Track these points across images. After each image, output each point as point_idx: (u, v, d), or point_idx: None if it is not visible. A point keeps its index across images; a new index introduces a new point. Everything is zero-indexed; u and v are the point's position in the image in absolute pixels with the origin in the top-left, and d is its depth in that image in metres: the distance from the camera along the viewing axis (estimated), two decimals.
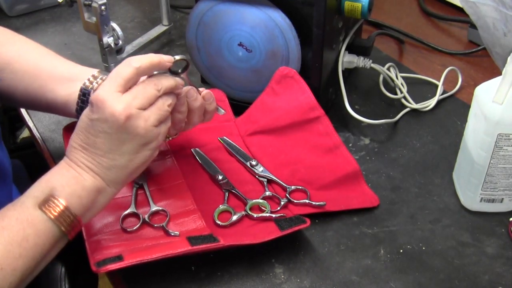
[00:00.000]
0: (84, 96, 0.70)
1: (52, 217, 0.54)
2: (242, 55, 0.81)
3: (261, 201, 0.70)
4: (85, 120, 0.59)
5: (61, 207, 0.55)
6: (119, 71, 0.59)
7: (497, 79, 0.64)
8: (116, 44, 0.92)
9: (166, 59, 0.63)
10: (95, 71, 0.71)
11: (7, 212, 0.55)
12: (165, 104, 0.61)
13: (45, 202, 0.55)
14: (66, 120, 0.83)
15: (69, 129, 0.78)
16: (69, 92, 0.71)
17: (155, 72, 0.62)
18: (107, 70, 0.90)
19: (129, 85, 0.59)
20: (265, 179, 0.73)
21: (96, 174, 0.58)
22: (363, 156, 0.79)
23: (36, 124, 0.86)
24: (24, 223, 0.54)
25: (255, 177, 0.74)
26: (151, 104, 0.60)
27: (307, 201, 0.70)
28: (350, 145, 0.81)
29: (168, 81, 0.62)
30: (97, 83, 0.69)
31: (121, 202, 0.68)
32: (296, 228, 0.64)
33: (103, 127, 0.58)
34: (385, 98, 0.90)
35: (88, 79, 0.70)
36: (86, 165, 0.58)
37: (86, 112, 0.59)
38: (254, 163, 0.75)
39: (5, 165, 0.70)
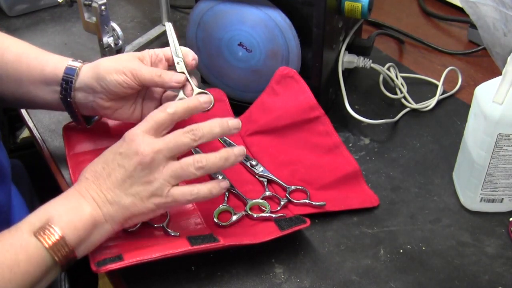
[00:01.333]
0: (66, 103, 0.71)
1: (46, 246, 0.53)
2: (242, 55, 0.81)
3: (261, 201, 0.70)
4: (109, 152, 0.60)
5: (57, 237, 0.54)
6: (153, 114, 0.61)
7: (497, 79, 0.64)
8: (116, 44, 0.92)
9: (202, 100, 0.64)
10: (61, 69, 0.70)
11: (2, 236, 0.54)
12: (191, 166, 0.60)
13: (40, 230, 0.54)
14: (66, 120, 0.83)
15: (69, 129, 0.78)
16: (54, 97, 0.71)
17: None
18: None
19: (162, 129, 0.60)
20: (265, 179, 0.73)
21: (97, 206, 0.58)
22: (363, 156, 0.79)
23: (36, 124, 0.86)
24: (17, 249, 0.53)
25: (255, 177, 0.74)
26: (180, 154, 0.60)
27: (307, 201, 0.70)
28: (350, 145, 0.81)
29: (210, 131, 0.61)
30: (70, 89, 0.69)
31: None
32: (296, 228, 0.64)
33: (124, 162, 0.58)
34: (385, 98, 0.90)
35: (61, 86, 0.70)
36: (91, 194, 0.58)
37: (115, 145, 0.60)
38: (254, 163, 0.75)
39: (3, 164, 0.70)
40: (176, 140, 0.60)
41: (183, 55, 0.70)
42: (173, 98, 0.71)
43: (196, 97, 0.65)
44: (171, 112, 0.61)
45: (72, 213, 0.56)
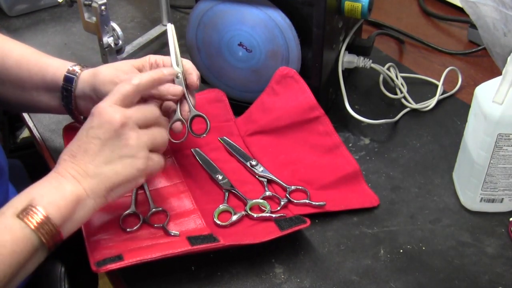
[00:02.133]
0: (69, 109, 0.71)
1: (32, 226, 0.54)
2: (242, 55, 0.81)
3: (261, 201, 0.70)
4: (81, 130, 0.60)
5: (41, 216, 0.54)
6: (118, 87, 0.62)
7: (497, 79, 0.64)
8: (116, 44, 0.92)
9: (166, 72, 0.65)
10: (61, 77, 0.70)
11: None
12: (162, 133, 0.63)
13: (23, 211, 0.54)
14: (66, 120, 0.83)
15: (69, 129, 0.78)
16: (58, 102, 0.72)
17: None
18: None
19: (128, 101, 0.61)
20: (265, 179, 0.73)
21: (78, 182, 0.58)
22: (363, 156, 0.79)
23: (36, 124, 0.86)
24: (2, 231, 0.53)
25: (255, 177, 0.74)
26: (149, 125, 0.62)
27: (307, 201, 0.70)
28: (350, 145, 0.81)
29: (150, 77, 0.63)
30: (70, 97, 0.70)
31: (121, 202, 0.68)
32: (296, 228, 0.64)
33: (97, 133, 0.59)
34: (385, 98, 0.90)
35: (62, 93, 0.70)
36: (70, 173, 0.58)
37: (85, 122, 0.61)
38: (254, 163, 0.75)
39: (0, 163, 0.70)
40: (144, 110, 0.62)
41: (185, 71, 0.70)
42: (171, 112, 0.70)
43: (160, 69, 0.66)
44: (136, 83, 0.62)
45: (54, 193, 0.56)
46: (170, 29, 0.73)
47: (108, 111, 0.60)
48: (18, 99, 0.74)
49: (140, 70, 0.70)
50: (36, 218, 0.54)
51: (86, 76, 0.70)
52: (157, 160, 0.63)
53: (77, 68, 0.71)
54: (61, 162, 0.59)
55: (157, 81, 0.65)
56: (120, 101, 0.61)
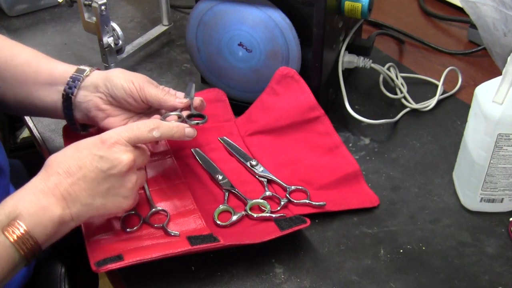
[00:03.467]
0: (67, 101, 0.71)
1: (12, 240, 0.53)
2: (242, 55, 0.81)
3: (261, 201, 0.70)
4: (87, 153, 0.60)
5: (22, 231, 0.54)
6: (138, 130, 0.63)
7: (497, 79, 0.64)
8: (116, 44, 0.92)
9: (186, 134, 0.68)
10: (72, 71, 0.71)
11: None
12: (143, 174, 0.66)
13: (8, 227, 0.54)
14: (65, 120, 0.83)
15: (69, 129, 0.78)
16: (55, 98, 0.72)
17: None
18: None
19: (139, 143, 0.63)
20: (265, 179, 0.73)
21: (67, 207, 0.57)
22: (363, 156, 0.79)
23: (36, 124, 0.86)
24: None
25: (255, 177, 0.74)
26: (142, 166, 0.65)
27: (307, 201, 0.70)
28: (350, 145, 0.81)
29: (169, 131, 0.65)
30: (75, 86, 0.70)
31: None
32: (296, 228, 0.64)
33: (103, 166, 0.59)
34: (385, 98, 0.90)
35: (68, 83, 0.71)
36: (62, 194, 0.57)
37: (90, 145, 0.61)
38: (254, 163, 0.75)
39: (1, 163, 0.70)
40: (146, 155, 0.64)
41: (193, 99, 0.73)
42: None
43: (183, 128, 0.67)
44: (156, 136, 0.64)
45: (42, 214, 0.56)
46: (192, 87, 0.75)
47: (120, 150, 0.60)
48: (16, 97, 0.73)
49: (152, 84, 0.72)
50: (17, 232, 0.54)
51: (99, 72, 0.72)
52: (138, 197, 0.66)
53: (90, 67, 0.73)
54: (54, 175, 0.58)
55: (175, 139, 0.67)
56: (133, 142, 0.62)
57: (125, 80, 0.70)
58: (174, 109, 0.71)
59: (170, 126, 0.66)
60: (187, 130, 0.67)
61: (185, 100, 0.71)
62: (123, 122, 0.72)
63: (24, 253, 0.54)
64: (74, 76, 0.71)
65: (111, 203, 0.61)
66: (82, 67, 0.72)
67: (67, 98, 0.71)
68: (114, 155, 0.60)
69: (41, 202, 0.56)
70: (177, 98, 0.71)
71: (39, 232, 0.55)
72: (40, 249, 0.56)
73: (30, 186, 0.58)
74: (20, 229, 0.54)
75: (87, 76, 0.71)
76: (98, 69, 0.73)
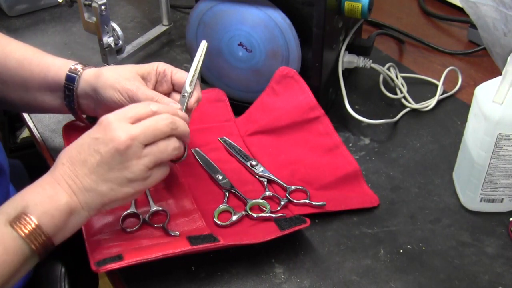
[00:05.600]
0: (70, 106, 0.71)
1: (23, 234, 0.53)
2: (242, 55, 0.81)
3: (261, 201, 0.70)
4: (86, 137, 0.59)
5: (33, 225, 0.53)
6: (135, 106, 0.61)
7: (497, 79, 0.64)
8: (116, 44, 0.92)
9: (181, 115, 0.63)
10: (63, 76, 0.70)
11: None
12: (169, 147, 0.60)
13: (16, 219, 0.53)
14: (66, 120, 0.83)
15: (69, 128, 0.78)
16: (59, 102, 0.72)
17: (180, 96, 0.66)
18: None
19: (139, 120, 0.59)
20: (265, 179, 0.73)
21: (73, 193, 0.57)
22: (363, 156, 0.79)
23: (36, 124, 0.86)
24: None
25: (255, 177, 0.74)
26: (156, 140, 0.59)
27: (307, 201, 0.70)
28: (350, 145, 0.81)
29: (185, 127, 0.62)
30: (72, 96, 0.70)
31: None
32: (296, 228, 0.64)
33: (99, 148, 0.57)
34: (385, 98, 0.90)
35: (64, 93, 0.70)
36: (67, 182, 0.57)
37: (90, 130, 0.59)
38: (254, 163, 0.75)
39: (1, 164, 0.70)
40: (155, 128, 0.59)
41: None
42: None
43: (176, 110, 0.64)
44: (154, 110, 0.60)
45: (48, 202, 0.55)
46: (202, 46, 0.69)
47: (115, 128, 0.57)
48: (23, 100, 0.74)
49: (145, 77, 0.69)
50: (29, 227, 0.53)
51: (88, 76, 0.70)
52: (159, 174, 0.61)
53: (79, 67, 0.70)
54: (59, 166, 0.58)
55: (171, 113, 0.64)
56: (132, 120, 0.59)
57: (113, 90, 0.67)
58: None
59: (167, 103, 0.65)
60: (181, 113, 0.64)
61: (176, 110, 0.65)
62: None
63: (36, 248, 0.54)
64: (66, 86, 0.70)
65: (117, 186, 0.58)
66: (71, 70, 0.70)
67: (70, 107, 0.71)
68: (109, 133, 0.57)
69: (47, 192, 0.56)
70: (170, 102, 0.67)
71: (47, 222, 0.54)
72: (51, 242, 0.55)
73: (37, 181, 0.58)
74: (31, 223, 0.53)
75: (78, 83, 0.70)
76: (87, 66, 0.71)
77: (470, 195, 0.70)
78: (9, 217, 0.54)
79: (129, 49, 0.99)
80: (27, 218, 0.53)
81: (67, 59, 0.73)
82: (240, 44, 0.80)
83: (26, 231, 0.53)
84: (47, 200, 0.55)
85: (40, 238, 0.54)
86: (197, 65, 0.68)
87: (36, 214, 0.54)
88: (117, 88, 0.66)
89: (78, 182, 0.57)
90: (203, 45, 0.69)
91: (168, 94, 0.70)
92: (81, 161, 0.57)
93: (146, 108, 0.60)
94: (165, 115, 0.60)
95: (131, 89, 0.66)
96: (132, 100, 0.67)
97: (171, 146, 0.60)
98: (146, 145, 0.59)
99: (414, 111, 0.87)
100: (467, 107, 0.71)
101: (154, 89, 0.70)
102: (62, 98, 0.71)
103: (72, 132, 0.77)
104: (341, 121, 0.85)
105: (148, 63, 0.70)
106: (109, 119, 0.58)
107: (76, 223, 0.57)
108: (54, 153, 0.81)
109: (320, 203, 0.69)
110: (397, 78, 0.90)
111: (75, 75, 0.70)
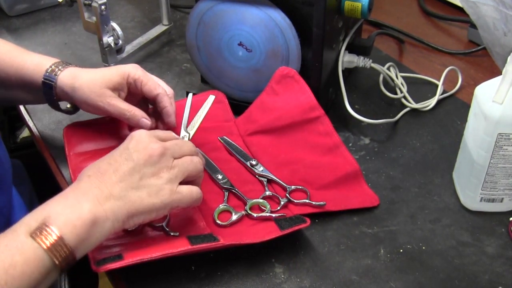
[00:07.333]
0: (51, 103, 0.75)
1: (44, 247, 0.51)
2: (242, 55, 0.81)
3: (261, 200, 0.70)
4: (115, 150, 0.61)
5: (55, 237, 0.52)
6: (160, 131, 0.66)
7: (497, 79, 0.64)
8: (116, 44, 0.92)
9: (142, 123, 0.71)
10: (39, 78, 0.72)
11: None
12: (194, 159, 0.63)
13: (37, 231, 0.52)
14: (66, 120, 0.83)
15: (69, 129, 0.78)
16: (43, 97, 0.74)
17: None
18: None
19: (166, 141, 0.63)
20: (265, 179, 0.73)
21: (98, 202, 0.55)
22: (363, 156, 0.79)
23: (36, 123, 0.86)
24: (13, 250, 0.51)
25: (255, 176, 0.74)
26: (181, 157, 0.63)
27: (307, 201, 0.70)
28: (350, 145, 0.81)
29: (199, 163, 0.64)
30: (52, 99, 0.74)
31: None
32: (296, 228, 0.64)
33: (132, 156, 0.59)
34: (385, 98, 0.90)
35: (44, 94, 0.73)
36: (93, 192, 0.56)
37: (122, 144, 0.62)
38: (254, 162, 0.75)
39: (4, 167, 0.70)
40: (182, 145, 0.63)
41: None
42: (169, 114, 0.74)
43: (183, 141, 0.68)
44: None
45: (70, 211, 0.54)
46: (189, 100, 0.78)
47: (148, 140, 0.61)
48: (5, 97, 0.76)
49: (117, 88, 0.72)
50: (50, 239, 0.52)
51: (65, 80, 0.72)
52: (186, 193, 0.61)
53: (54, 70, 0.72)
54: (84, 178, 0.58)
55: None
56: (160, 139, 0.62)
57: (86, 104, 0.71)
58: (139, 127, 0.71)
59: (140, 116, 0.71)
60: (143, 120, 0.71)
61: (147, 125, 0.71)
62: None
63: (58, 262, 0.52)
64: (45, 91, 0.73)
65: (146, 195, 0.58)
66: (46, 77, 0.72)
67: (51, 103, 0.75)
68: (142, 143, 0.60)
69: (69, 202, 0.55)
70: (140, 120, 0.71)
71: (69, 233, 0.53)
72: (73, 255, 0.53)
73: (61, 193, 0.57)
74: (52, 235, 0.52)
75: (55, 89, 0.72)
76: (64, 65, 0.73)
77: (470, 194, 0.70)
78: (30, 228, 0.52)
79: (129, 48, 0.99)
80: (49, 229, 0.52)
81: (41, 56, 0.74)
82: (240, 44, 0.80)
83: (48, 244, 0.52)
84: (69, 209, 0.54)
85: (62, 251, 0.52)
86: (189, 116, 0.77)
87: (57, 225, 0.53)
88: (90, 104, 0.71)
89: (106, 190, 0.57)
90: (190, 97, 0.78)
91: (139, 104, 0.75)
92: (112, 171, 0.58)
93: (170, 133, 0.65)
94: (188, 141, 0.67)
95: (103, 106, 0.70)
96: (104, 113, 0.72)
97: (196, 159, 0.63)
98: (175, 158, 0.62)
99: (414, 111, 0.87)
100: (467, 107, 0.71)
101: (128, 97, 0.74)
102: (42, 96, 0.74)
103: (72, 132, 0.77)
104: (341, 121, 0.85)
105: (120, 71, 0.72)
106: (141, 133, 0.62)
107: (100, 235, 0.56)
108: (54, 153, 0.81)
109: (320, 203, 0.69)
110: (397, 78, 0.90)
111: (51, 83, 0.72)
